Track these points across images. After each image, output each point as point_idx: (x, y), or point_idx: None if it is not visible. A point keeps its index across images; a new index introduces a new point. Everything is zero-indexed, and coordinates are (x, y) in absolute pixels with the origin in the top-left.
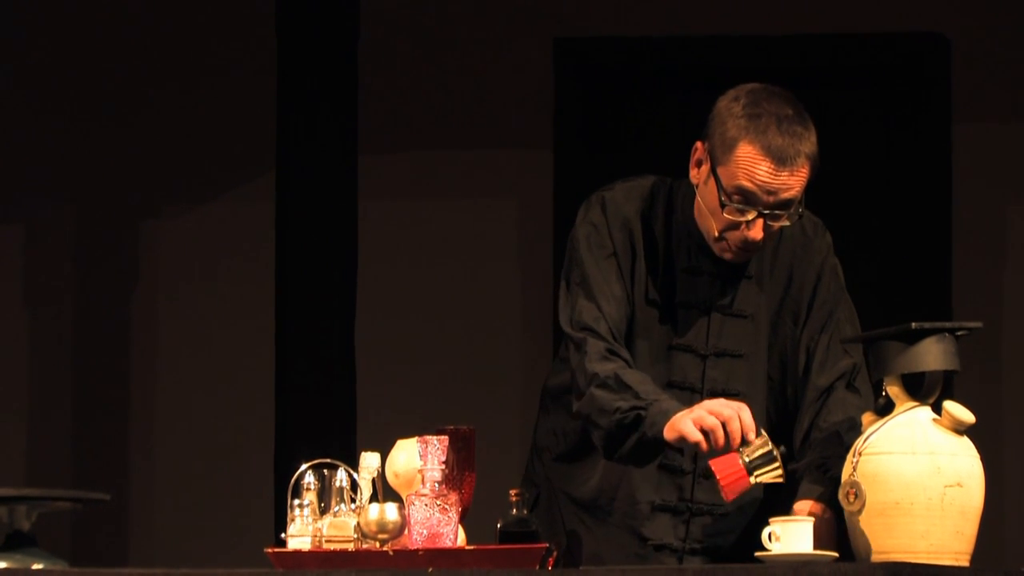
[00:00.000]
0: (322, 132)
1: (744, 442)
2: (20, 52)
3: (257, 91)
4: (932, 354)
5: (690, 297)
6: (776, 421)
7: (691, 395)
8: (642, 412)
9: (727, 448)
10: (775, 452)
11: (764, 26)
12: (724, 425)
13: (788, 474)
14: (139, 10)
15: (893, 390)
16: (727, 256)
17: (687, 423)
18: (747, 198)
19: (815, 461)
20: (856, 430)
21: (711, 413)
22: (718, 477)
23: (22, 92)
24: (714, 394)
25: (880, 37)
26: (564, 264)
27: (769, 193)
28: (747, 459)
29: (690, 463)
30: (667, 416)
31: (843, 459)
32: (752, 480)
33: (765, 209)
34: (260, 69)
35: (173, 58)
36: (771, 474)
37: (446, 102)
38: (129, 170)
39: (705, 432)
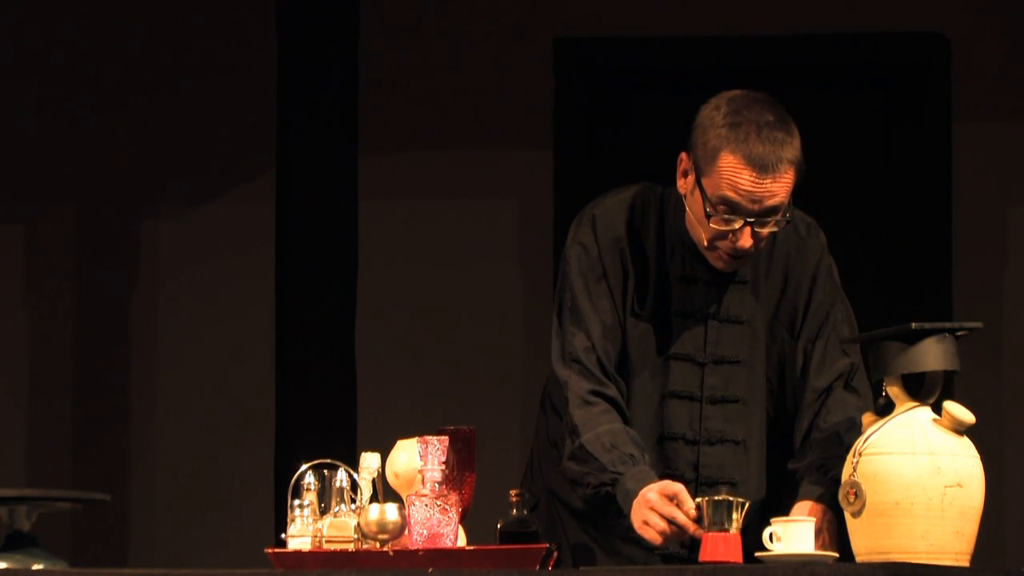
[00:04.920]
0: (322, 132)
1: (698, 518)
2: (20, 52)
3: (257, 91)
4: (932, 354)
5: (686, 305)
6: (776, 424)
7: (691, 404)
8: (610, 490)
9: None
10: (718, 499)
11: (764, 26)
12: (673, 521)
13: (789, 474)
14: (139, 10)
15: (893, 390)
16: (720, 265)
17: (645, 531)
18: (732, 207)
19: (815, 462)
20: (856, 430)
21: (653, 511)
22: (720, 560)
23: (22, 92)
24: (714, 401)
25: (880, 37)
26: (557, 283)
27: (754, 201)
28: (717, 528)
29: (692, 472)
30: (629, 499)
31: (843, 459)
32: (735, 531)
33: (751, 217)
34: (260, 69)
35: (173, 58)
36: (739, 514)
37: (446, 102)
38: (129, 170)
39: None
